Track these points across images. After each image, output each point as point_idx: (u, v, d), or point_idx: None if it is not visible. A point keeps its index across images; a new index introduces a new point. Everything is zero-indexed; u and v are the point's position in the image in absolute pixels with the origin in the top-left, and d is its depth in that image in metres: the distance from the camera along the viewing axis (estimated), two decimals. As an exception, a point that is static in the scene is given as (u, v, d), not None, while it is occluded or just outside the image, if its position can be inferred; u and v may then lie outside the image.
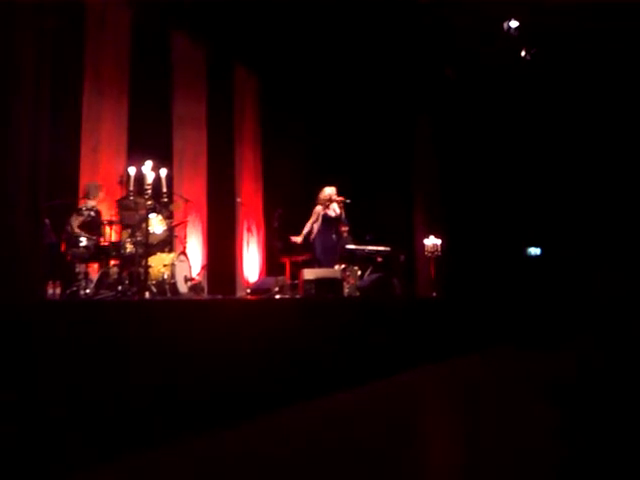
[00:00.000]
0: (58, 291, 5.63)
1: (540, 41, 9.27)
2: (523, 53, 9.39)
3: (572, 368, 6.85)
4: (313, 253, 8.07)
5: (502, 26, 8.87)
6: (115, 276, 6.07)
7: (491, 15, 8.80)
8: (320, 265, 7.72)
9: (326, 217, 8.02)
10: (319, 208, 8.08)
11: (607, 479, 3.10)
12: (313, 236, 8.03)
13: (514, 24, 8.82)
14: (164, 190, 6.51)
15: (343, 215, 8.12)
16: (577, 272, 10.51)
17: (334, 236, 8.17)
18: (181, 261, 6.71)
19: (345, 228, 9.19)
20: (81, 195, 6.62)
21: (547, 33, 9.16)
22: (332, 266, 7.78)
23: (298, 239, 8.07)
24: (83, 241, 6.07)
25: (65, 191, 6.56)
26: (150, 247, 6.24)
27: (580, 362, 7.18)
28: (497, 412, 4.75)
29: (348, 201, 8.07)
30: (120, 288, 5.74)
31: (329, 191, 8.09)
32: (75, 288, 5.79)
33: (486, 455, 3.58)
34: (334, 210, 8.06)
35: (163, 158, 7.40)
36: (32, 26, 3.99)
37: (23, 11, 3.94)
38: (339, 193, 8.13)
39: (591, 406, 4.77)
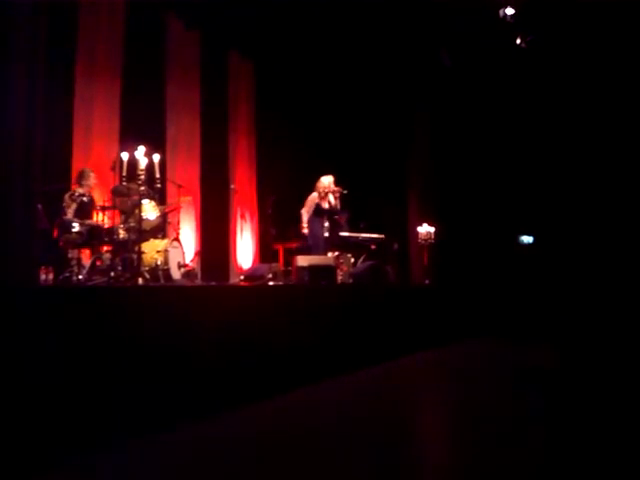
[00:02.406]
0: (51, 277, 5.61)
1: (536, 29, 9.24)
2: (519, 41, 9.35)
3: (557, 359, 6.91)
4: (304, 241, 8.07)
5: (498, 13, 8.83)
6: (108, 262, 6.05)
7: (486, 2, 8.76)
8: (311, 253, 7.73)
9: (319, 207, 8.02)
10: (314, 196, 8.06)
11: (588, 467, 3.13)
12: (305, 224, 8.03)
13: (510, 11, 8.78)
14: (157, 176, 6.47)
15: (339, 206, 8.12)
16: (569, 261, 10.55)
17: (326, 225, 8.18)
18: (174, 247, 6.70)
19: (343, 217, 9.19)
20: (73, 180, 6.59)
21: (543, 20, 9.13)
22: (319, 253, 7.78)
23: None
24: (76, 227, 6.04)
25: (57, 176, 6.52)
26: (143, 233, 6.22)
27: (564, 353, 7.24)
28: (484, 399, 4.79)
29: (345, 192, 8.07)
30: (113, 274, 5.72)
31: (327, 181, 8.08)
32: (68, 274, 5.77)
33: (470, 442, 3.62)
34: (329, 201, 8.06)
35: (156, 144, 7.35)
36: (25, 10, 3.95)
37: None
38: (336, 183, 8.12)
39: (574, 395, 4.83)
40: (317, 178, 8.29)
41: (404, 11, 8.94)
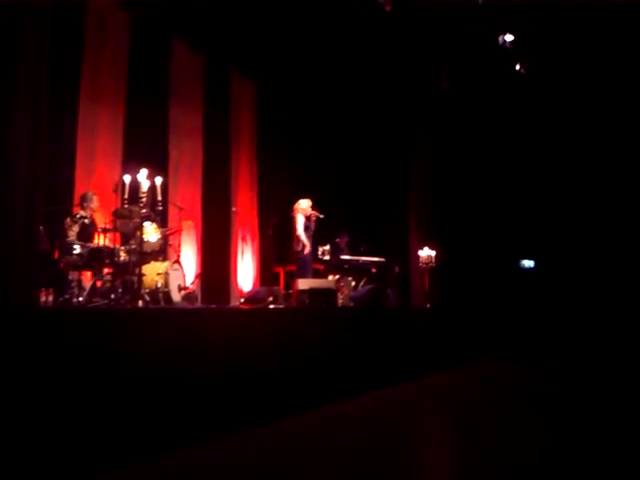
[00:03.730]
0: (51, 298, 5.59)
1: (535, 55, 9.34)
2: (518, 67, 9.45)
3: (559, 381, 6.86)
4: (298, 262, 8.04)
5: (497, 40, 8.94)
6: (108, 284, 6.03)
7: (486, 29, 8.87)
8: (299, 275, 7.69)
9: (307, 227, 8.02)
10: (302, 216, 8.03)
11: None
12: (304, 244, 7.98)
13: (509, 38, 8.89)
14: (159, 198, 6.49)
15: (313, 229, 8.09)
16: (570, 285, 10.53)
17: (327, 249, 8.22)
18: (175, 270, 6.69)
19: (344, 240, 9.21)
20: (76, 203, 6.60)
21: (542, 47, 9.24)
22: (306, 277, 7.72)
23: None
24: (77, 249, 6.04)
25: (60, 198, 6.54)
26: (144, 255, 6.22)
27: (565, 374, 7.19)
28: (486, 424, 4.74)
29: (322, 216, 8.08)
30: (113, 296, 5.70)
31: (306, 204, 8.09)
32: (68, 296, 5.75)
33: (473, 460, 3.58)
34: (311, 222, 8.08)
35: (158, 166, 7.39)
36: (30, 33, 4.00)
37: (23, 18, 3.95)
38: (314, 207, 8.13)
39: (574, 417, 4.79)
40: (319, 201, 8.31)
41: (405, 35, 9.04)
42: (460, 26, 8.75)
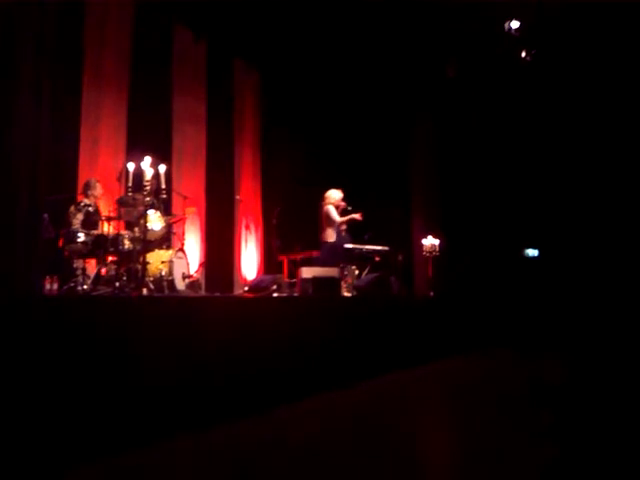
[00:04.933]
0: (55, 286, 5.62)
1: (541, 42, 9.27)
2: (524, 54, 9.39)
3: (565, 371, 6.87)
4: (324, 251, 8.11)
5: (503, 26, 8.87)
6: (113, 272, 6.06)
7: (492, 15, 8.80)
8: (324, 264, 7.76)
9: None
10: (333, 207, 8.10)
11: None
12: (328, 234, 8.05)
13: (515, 25, 8.82)
14: (163, 186, 6.50)
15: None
16: (575, 274, 10.52)
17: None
18: (179, 258, 6.70)
19: (343, 227, 9.20)
20: (80, 191, 6.62)
21: (548, 34, 9.17)
22: (336, 266, 7.81)
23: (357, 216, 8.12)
24: (81, 237, 6.06)
25: (64, 186, 6.56)
26: (148, 243, 6.24)
27: (571, 365, 7.20)
28: (488, 413, 4.76)
29: (349, 208, 8.16)
30: (117, 284, 5.73)
31: (337, 195, 8.16)
32: (73, 284, 5.78)
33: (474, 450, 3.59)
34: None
35: (162, 154, 7.39)
36: (32, 20, 3.99)
37: (23, 5, 3.94)
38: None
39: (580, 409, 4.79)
40: (322, 189, 8.32)
41: (410, 21, 8.99)
42: (465, 13, 8.68)
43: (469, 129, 11.03)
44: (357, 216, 8.16)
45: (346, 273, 8.18)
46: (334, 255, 7.99)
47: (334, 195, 8.18)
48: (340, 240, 8.12)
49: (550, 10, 8.58)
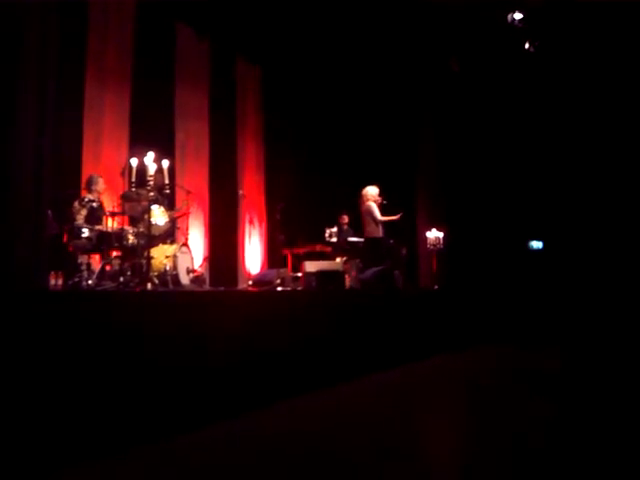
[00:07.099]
0: (60, 282, 5.64)
1: (545, 33, 9.23)
2: (527, 45, 9.35)
3: (567, 363, 6.86)
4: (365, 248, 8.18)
5: (506, 18, 8.83)
6: (117, 267, 6.08)
7: (495, 7, 8.76)
8: (368, 260, 7.83)
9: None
10: (374, 204, 8.12)
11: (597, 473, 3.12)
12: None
13: (518, 16, 8.78)
14: (166, 182, 6.51)
15: None
16: (579, 267, 10.49)
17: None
18: (183, 253, 6.72)
19: (346, 220, 9.23)
20: (83, 186, 6.63)
21: (552, 25, 9.12)
22: (379, 265, 7.82)
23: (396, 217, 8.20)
24: (85, 232, 6.08)
25: (68, 182, 6.57)
26: (152, 238, 6.25)
27: (573, 358, 7.19)
28: (494, 407, 4.77)
29: (385, 202, 8.25)
30: (122, 279, 5.75)
31: (375, 191, 8.23)
32: (77, 279, 5.79)
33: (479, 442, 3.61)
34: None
35: (165, 150, 7.40)
36: (36, 17, 3.99)
37: (27, 4, 3.94)
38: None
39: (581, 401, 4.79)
40: (325, 183, 8.34)
41: (412, 17, 8.96)
42: (468, 6, 8.65)
43: (473, 122, 11.00)
44: (396, 217, 8.20)
45: (350, 266, 8.24)
46: (378, 250, 8.03)
47: (372, 192, 8.23)
48: (385, 236, 8.17)
49: (553, 1, 8.54)
